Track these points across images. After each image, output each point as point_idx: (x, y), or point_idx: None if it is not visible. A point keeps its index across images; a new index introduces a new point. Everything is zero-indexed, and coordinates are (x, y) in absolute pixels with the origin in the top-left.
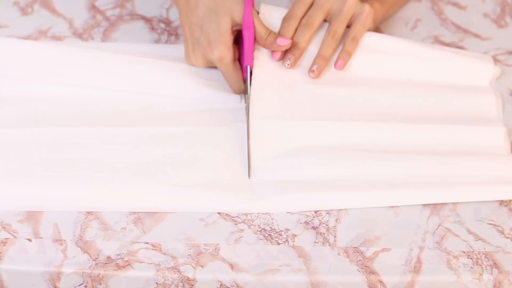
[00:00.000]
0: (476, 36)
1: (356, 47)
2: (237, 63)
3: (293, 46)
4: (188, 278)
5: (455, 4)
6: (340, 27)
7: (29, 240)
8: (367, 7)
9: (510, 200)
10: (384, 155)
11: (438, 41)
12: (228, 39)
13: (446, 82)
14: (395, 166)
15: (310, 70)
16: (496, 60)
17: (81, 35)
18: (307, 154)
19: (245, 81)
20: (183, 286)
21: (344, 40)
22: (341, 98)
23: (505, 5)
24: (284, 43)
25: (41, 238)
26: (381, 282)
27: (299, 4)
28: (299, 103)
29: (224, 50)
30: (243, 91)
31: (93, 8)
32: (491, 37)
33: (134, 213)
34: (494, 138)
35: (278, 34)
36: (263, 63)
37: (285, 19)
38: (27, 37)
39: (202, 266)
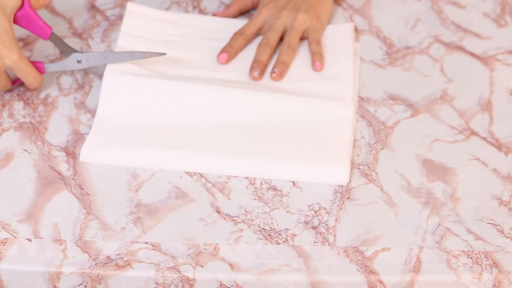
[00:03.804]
0: (476, 35)
1: (321, 47)
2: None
3: (257, 61)
4: (188, 278)
5: (455, 4)
6: (294, 38)
7: (29, 240)
8: (313, 19)
9: (509, 200)
10: (225, 122)
11: (438, 40)
12: (15, 40)
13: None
14: (233, 134)
15: (272, 72)
16: (496, 60)
17: (80, 35)
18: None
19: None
20: (183, 286)
21: (309, 47)
22: (202, 78)
23: (505, 4)
24: (221, 58)
25: (41, 238)
26: (380, 281)
27: (250, 25)
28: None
29: (17, 53)
30: (41, 82)
31: (93, 8)
32: (491, 37)
33: (134, 213)
34: (342, 109)
35: (224, 49)
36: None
37: (236, 34)
38: (26, 37)
39: (201, 266)
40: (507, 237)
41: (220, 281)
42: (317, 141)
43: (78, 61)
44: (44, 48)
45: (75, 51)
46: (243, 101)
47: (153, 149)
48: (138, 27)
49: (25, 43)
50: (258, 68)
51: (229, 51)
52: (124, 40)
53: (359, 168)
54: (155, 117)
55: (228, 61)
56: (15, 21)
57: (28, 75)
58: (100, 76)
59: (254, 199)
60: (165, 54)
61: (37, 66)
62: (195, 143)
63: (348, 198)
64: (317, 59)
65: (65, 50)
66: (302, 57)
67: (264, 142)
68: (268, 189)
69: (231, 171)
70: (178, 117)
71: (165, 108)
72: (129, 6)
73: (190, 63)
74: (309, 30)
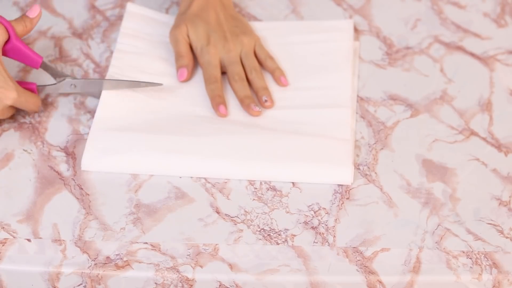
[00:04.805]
0: (476, 35)
1: (276, 62)
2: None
3: (247, 97)
4: (187, 278)
5: (455, 4)
6: (254, 62)
7: (29, 240)
8: (254, 37)
9: (509, 200)
10: (225, 126)
11: (438, 40)
12: (9, 75)
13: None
14: (234, 138)
15: (263, 101)
16: (496, 60)
17: (80, 35)
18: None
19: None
20: (182, 286)
21: (265, 66)
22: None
23: (505, 4)
24: (223, 111)
25: (41, 238)
26: (380, 282)
27: (212, 68)
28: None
29: (15, 90)
30: (40, 104)
31: (93, 8)
32: (491, 37)
33: (133, 213)
34: (340, 117)
35: (216, 102)
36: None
37: (210, 84)
38: (26, 37)
39: (201, 266)
40: (507, 237)
41: (219, 281)
42: (319, 142)
43: (72, 85)
44: (44, 48)
45: (68, 76)
46: (243, 113)
47: (154, 155)
48: (137, 28)
49: (25, 43)
50: (252, 102)
51: (222, 101)
52: (123, 41)
53: (359, 168)
54: (154, 122)
55: (228, 111)
56: (3, 53)
57: (28, 105)
58: (97, 96)
59: (253, 199)
60: (161, 84)
61: (31, 88)
62: (196, 147)
63: (347, 199)
64: (280, 75)
65: (59, 76)
66: (290, 59)
67: (265, 145)
68: (268, 190)
69: (234, 175)
70: (177, 122)
71: (163, 113)
72: (129, 6)
73: None
74: (256, 49)
